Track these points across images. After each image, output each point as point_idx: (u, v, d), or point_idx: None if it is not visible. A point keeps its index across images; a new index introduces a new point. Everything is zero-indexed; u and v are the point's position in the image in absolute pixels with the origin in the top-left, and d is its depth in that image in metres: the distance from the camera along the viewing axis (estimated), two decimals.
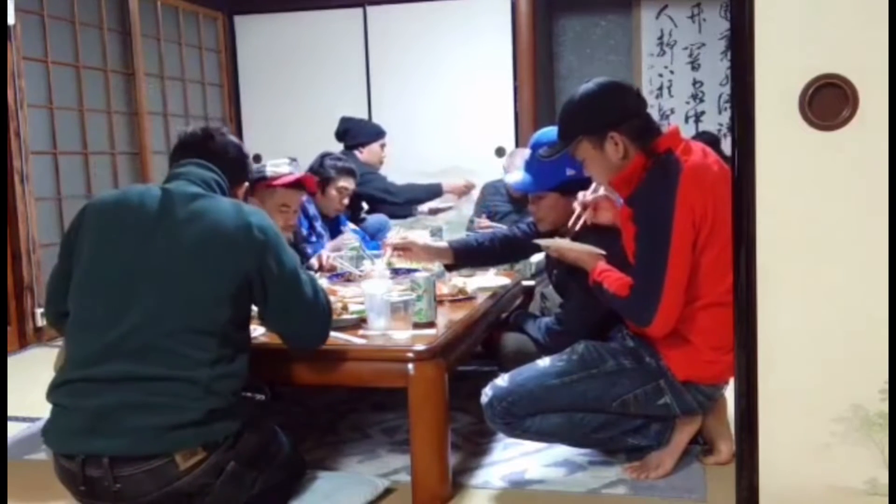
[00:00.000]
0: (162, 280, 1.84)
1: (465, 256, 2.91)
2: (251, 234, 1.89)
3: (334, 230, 3.80)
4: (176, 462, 1.77)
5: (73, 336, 1.89)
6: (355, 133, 4.62)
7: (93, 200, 2.02)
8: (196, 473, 1.79)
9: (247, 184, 2.24)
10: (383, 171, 4.69)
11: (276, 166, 3.05)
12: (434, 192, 4.73)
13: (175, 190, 1.95)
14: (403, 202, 4.63)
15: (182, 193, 1.94)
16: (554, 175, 2.62)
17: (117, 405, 1.76)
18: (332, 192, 3.66)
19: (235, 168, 2.15)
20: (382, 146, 4.64)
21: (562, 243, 2.41)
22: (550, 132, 2.61)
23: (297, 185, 3.02)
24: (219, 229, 1.88)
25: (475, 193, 4.85)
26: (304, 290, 1.98)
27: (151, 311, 1.81)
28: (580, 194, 2.50)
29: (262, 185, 2.95)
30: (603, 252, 2.31)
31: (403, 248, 2.90)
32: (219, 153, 2.10)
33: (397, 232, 3.72)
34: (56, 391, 1.85)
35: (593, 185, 2.49)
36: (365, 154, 4.54)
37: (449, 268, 2.93)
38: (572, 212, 2.58)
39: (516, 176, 2.84)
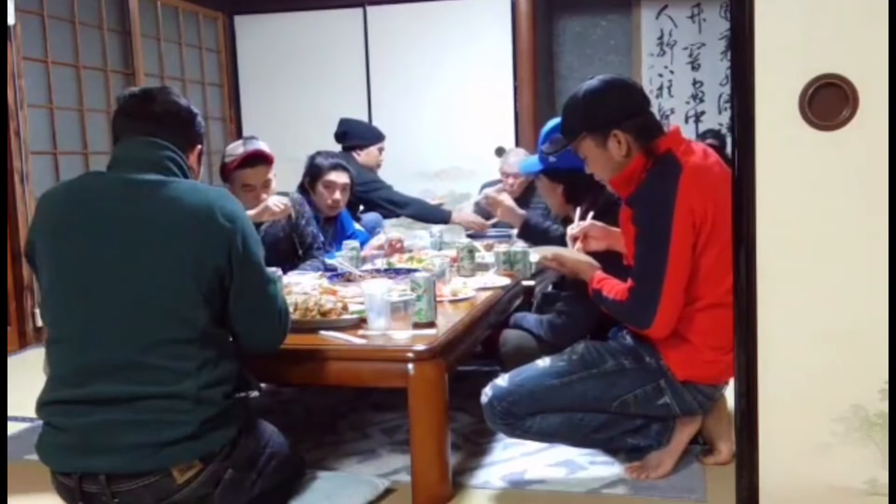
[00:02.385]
0: (131, 288, 1.74)
1: (530, 231, 3.08)
2: (216, 221, 1.78)
3: (338, 230, 3.77)
4: (173, 476, 1.74)
5: (54, 351, 1.82)
6: (354, 135, 4.61)
7: (43, 197, 1.89)
8: (194, 486, 1.77)
9: (200, 146, 2.02)
10: (382, 172, 4.69)
11: (233, 150, 3.11)
12: (441, 217, 4.54)
13: (129, 179, 1.82)
14: (405, 215, 4.62)
15: (137, 183, 1.81)
16: (543, 159, 2.74)
17: (108, 424, 1.72)
18: (320, 187, 3.61)
19: (184, 131, 1.95)
20: (381, 150, 4.63)
21: (560, 252, 2.42)
22: (559, 121, 2.64)
23: (253, 160, 3.06)
24: (182, 222, 1.77)
25: (460, 184, 4.91)
26: (267, 287, 1.90)
27: (126, 324, 1.74)
28: (569, 229, 2.52)
29: (225, 172, 3.05)
30: (597, 265, 2.33)
31: (494, 203, 3.17)
32: (163, 117, 1.91)
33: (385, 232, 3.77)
34: (45, 409, 1.80)
35: (576, 222, 2.54)
36: (363, 156, 4.53)
37: (519, 236, 3.21)
38: (561, 196, 2.75)
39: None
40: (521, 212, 3.11)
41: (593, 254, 2.44)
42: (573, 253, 2.42)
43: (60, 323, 1.81)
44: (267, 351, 2.01)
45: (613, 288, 2.22)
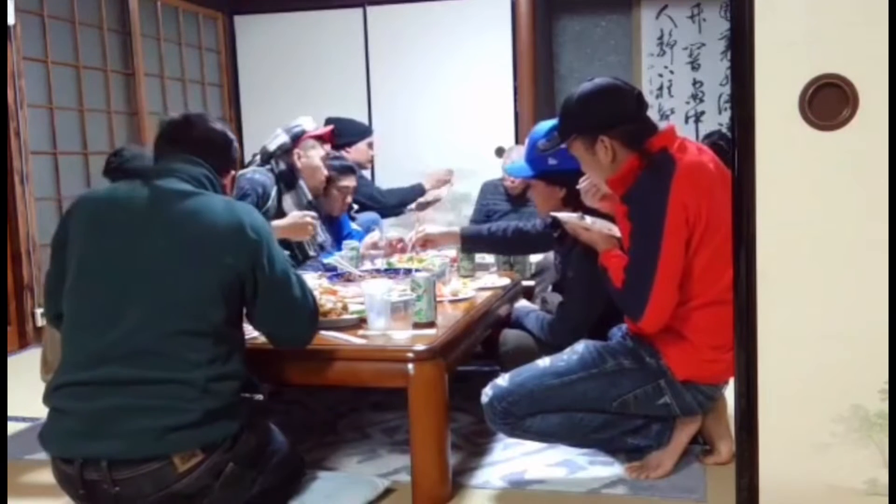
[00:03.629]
0: (155, 281, 1.83)
1: (473, 241, 3.05)
2: (245, 233, 1.89)
3: (337, 231, 3.78)
4: (174, 464, 1.76)
5: (68, 338, 1.88)
6: (341, 133, 4.55)
7: (82, 197, 2.00)
8: (195, 475, 1.79)
9: (234, 172, 2.16)
10: (382, 172, 4.67)
11: (306, 123, 3.41)
12: (417, 192, 4.67)
13: (165, 187, 1.93)
14: (392, 206, 4.60)
15: (173, 191, 1.92)
16: (538, 163, 2.68)
17: (114, 408, 1.76)
18: (334, 191, 3.66)
19: (221, 156, 2.08)
20: (370, 145, 4.57)
21: (578, 220, 2.38)
22: (549, 125, 2.63)
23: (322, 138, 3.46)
24: (212, 229, 1.87)
25: (460, 184, 4.95)
26: (294, 291, 1.99)
27: (145, 313, 1.81)
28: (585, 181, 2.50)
29: (305, 138, 3.33)
30: (618, 235, 2.30)
31: (425, 242, 3.11)
32: (202, 142, 2.04)
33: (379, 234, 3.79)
34: (52, 395, 1.84)
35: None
36: (353, 154, 4.49)
37: (461, 250, 3.11)
38: (560, 200, 2.65)
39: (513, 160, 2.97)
40: (454, 229, 3.11)
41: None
42: (591, 224, 2.35)
43: (81, 310, 1.86)
44: (300, 346, 2.09)
45: (617, 272, 2.21)
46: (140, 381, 1.77)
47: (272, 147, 3.34)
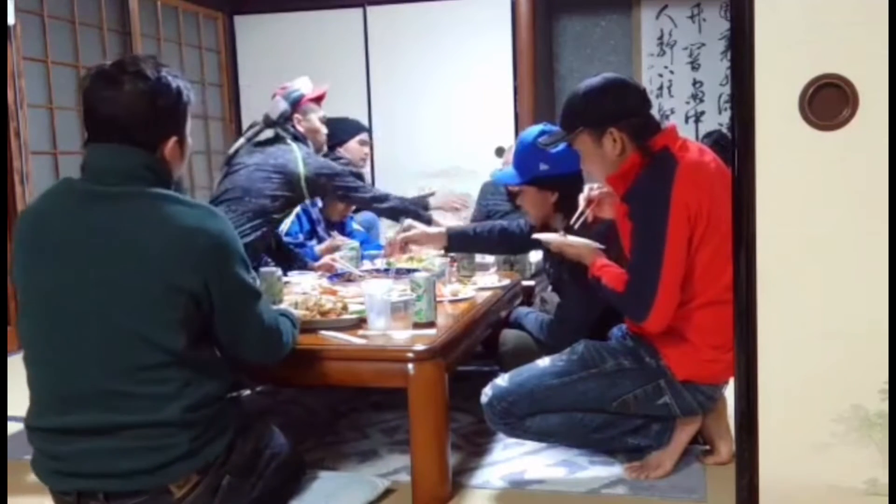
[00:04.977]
0: (100, 314, 1.67)
1: (459, 242, 3.02)
2: (191, 242, 1.68)
3: (339, 232, 3.80)
4: (171, 492, 1.73)
5: (31, 375, 1.78)
6: (334, 132, 4.49)
7: (23, 214, 1.80)
8: (192, 497, 1.76)
9: (174, 137, 1.78)
10: (382, 172, 4.63)
11: (304, 85, 3.49)
12: (422, 205, 4.12)
13: (101, 193, 1.71)
14: (386, 208, 4.51)
15: (111, 197, 1.70)
16: (529, 169, 2.66)
17: (97, 452, 1.70)
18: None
19: (154, 123, 1.73)
20: (362, 143, 4.44)
21: (561, 239, 2.40)
22: (537, 129, 2.63)
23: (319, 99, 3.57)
24: (151, 246, 1.67)
25: (460, 184, 4.91)
26: (250, 306, 1.82)
27: (97, 351, 1.68)
28: (586, 188, 2.49)
29: (306, 101, 3.44)
30: (602, 246, 2.31)
31: (413, 239, 3.08)
32: (127, 112, 1.71)
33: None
34: (32, 435, 1.78)
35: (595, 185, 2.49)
36: (345, 153, 4.44)
37: (446, 250, 3.07)
38: (552, 205, 2.65)
39: (504, 166, 2.95)
40: (441, 230, 3.07)
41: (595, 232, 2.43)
42: (574, 240, 2.38)
43: (35, 345, 1.77)
44: (258, 363, 1.98)
45: (613, 278, 2.21)
46: (115, 427, 1.69)
47: (274, 115, 3.41)
